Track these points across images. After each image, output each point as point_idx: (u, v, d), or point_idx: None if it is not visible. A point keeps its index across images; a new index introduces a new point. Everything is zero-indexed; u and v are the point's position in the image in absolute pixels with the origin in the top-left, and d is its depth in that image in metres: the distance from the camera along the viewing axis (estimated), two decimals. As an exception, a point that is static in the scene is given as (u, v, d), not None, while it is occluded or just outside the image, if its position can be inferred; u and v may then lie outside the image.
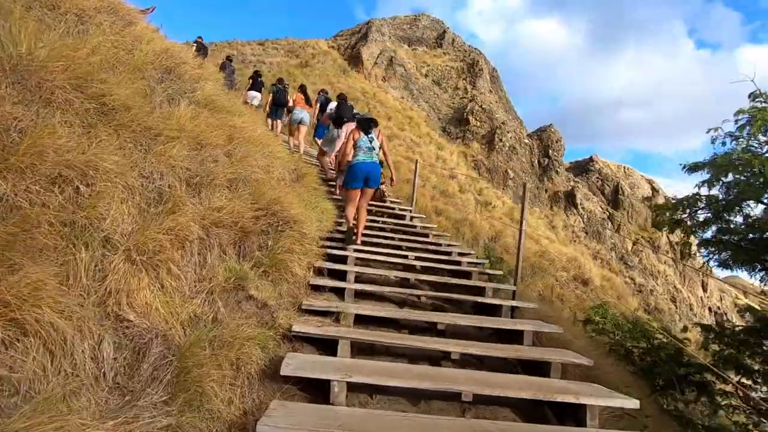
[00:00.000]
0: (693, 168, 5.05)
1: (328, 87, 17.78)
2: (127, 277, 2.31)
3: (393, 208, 7.53)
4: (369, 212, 7.04)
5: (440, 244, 5.98)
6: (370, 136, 4.96)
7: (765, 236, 4.58)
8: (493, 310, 4.07)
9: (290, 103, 8.75)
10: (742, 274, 5.68)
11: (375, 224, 6.40)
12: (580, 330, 6.67)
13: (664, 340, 6.18)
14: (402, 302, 4.16)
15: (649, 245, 21.97)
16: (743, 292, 18.51)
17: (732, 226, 4.93)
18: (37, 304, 1.78)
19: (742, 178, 4.35)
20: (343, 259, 4.52)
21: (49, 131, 2.38)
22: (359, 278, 4.29)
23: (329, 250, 4.53)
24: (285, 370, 2.31)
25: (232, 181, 3.54)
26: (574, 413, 2.59)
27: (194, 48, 7.82)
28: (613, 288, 13.17)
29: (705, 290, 24.11)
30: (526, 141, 21.59)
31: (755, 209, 4.69)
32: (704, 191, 5.00)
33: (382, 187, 5.59)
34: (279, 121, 9.67)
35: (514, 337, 3.56)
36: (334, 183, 7.03)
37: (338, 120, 6.95)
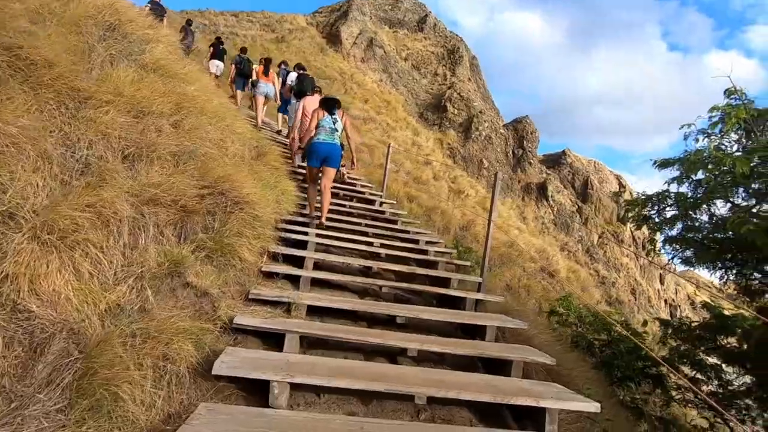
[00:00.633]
0: (664, 164, 5.02)
1: (305, 65, 17.13)
2: (33, 259, 1.97)
3: (363, 193, 7.27)
4: (336, 195, 6.76)
5: (408, 232, 5.78)
6: (333, 117, 4.84)
7: (727, 236, 4.61)
8: (457, 303, 3.90)
9: (254, 76, 8.26)
10: (701, 271, 5.77)
11: (342, 208, 6.13)
12: (545, 321, 6.71)
13: (624, 333, 6.29)
14: (363, 292, 3.94)
15: (614, 239, 22.64)
16: (696, 285, 19.42)
17: (697, 224, 4.95)
18: None
19: (712, 176, 4.33)
20: (303, 245, 4.25)
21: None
22: (319, 265, 4.04)
23: (288, 234, 4.24)
24: (218, 369, 2.05)
25: (177, 155, 3.19)
26: (534, 415, 2.45)
27: (147, 8, 7.16)
28: (578, 280, 13.43)
29: (662, 283, 25.18)
30: (502, 131, 21.61)
31: (722, 208, 4.72)
32: (674, 188, 4.99)
33: (342, 169, 5.49)
34: (240, 92, 9.19)
35: (477, 331, 3.41)
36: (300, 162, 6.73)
37: (300, 94, 6.66)
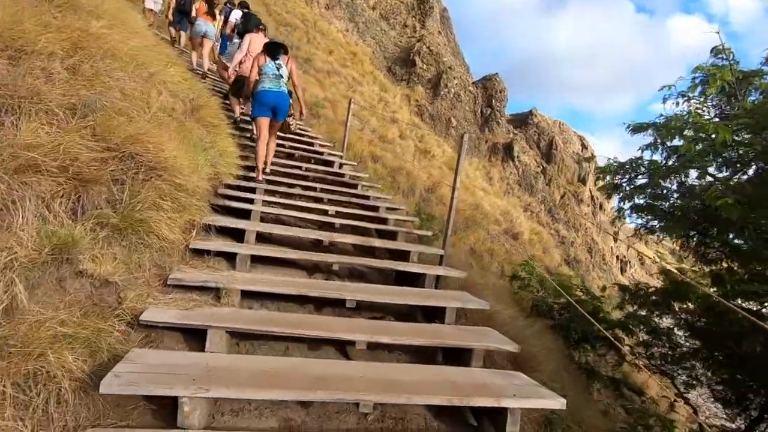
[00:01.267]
0: (637, 129, 4.76)
1: (262, 9, 15.56)
2: None
3: (321, 153, 6.66)
4: (291, 156, 6.19)
5: (368, 198, 5.34)
6: (277, 62, 4.37)
7: (694, 205, 4.49)
8: (416, 279, 3.59)
9: (193, 13, 7.22)
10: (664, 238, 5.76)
11: (296, 171, 5.58)
12: (507, 285, 6.69)
13: (582, 296, 6.37)
14: (314, 268, 3.53)
15: (575, 198, 23.21)
16: (644, 242, 20.46)
17: (665, 191, 4.80)
18: None
19: (692, 143, 4.10)
20: (245, 215, 3.75)
21: None
22: (263, 239, 3.57)
23: (228, 202, 3.72)
24: (108, 386, 1.62)
25: (71, 108, 2.55)
26: (494, 413, 2.21)
27: None
28: (540, 242, 13.63)
29: (615, 241, 26.41)
30: (471, 89, 21.02)
31: (693, 177, 4.57)
32: (647, 155, 4.77)
33: (289, 119, 5.18)
34: (183, 33, 8.14)
35: (436, 312, 3.12)
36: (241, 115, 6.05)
37: (244, 34, 5.90)
